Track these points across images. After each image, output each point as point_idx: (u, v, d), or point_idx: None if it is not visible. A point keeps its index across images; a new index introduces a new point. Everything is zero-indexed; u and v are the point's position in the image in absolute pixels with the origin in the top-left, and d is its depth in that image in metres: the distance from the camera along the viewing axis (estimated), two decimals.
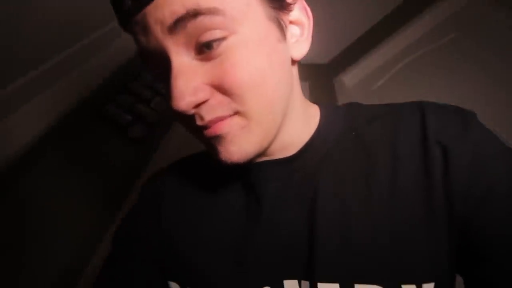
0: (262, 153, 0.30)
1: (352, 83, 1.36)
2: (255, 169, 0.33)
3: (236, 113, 0.26)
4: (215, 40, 0.23)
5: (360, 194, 0.28)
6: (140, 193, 0.40)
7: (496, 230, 0.25)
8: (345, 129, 0.32)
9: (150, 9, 0.23)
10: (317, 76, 1.39)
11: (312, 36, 0.30)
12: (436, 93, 1.00)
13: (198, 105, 0.25)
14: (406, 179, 0.27)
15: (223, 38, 0.23)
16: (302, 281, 0.28)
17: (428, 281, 0.25)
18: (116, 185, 1.13)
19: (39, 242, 0.77)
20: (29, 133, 0.80)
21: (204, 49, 0.23)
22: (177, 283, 0.33)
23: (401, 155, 0.28)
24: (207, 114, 0.25)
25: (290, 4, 0.27)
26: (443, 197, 0.26)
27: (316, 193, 0.29)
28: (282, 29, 0.27)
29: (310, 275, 0.27)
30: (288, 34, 0.28)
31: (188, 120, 0.26)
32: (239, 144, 0.26)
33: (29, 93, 0.79)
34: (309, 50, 0.30)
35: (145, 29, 0.24)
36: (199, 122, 0.26)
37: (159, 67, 0.26)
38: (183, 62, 0.24)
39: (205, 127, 0.26)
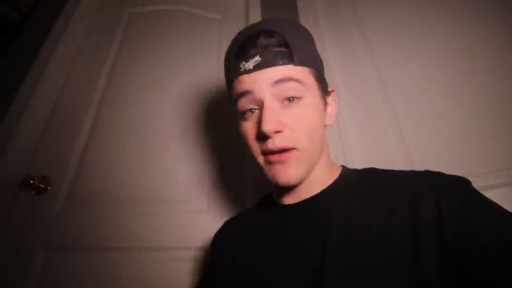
0: (296, 190, 0.49)
1: None
2: (287, 209, 0.51)
3: (294, 148, 0.44)
4: (295, 98, 0.45)
5: (363, 232, 0.40)
6: (212, 239, 0.63)
7: (483, 270, 0.31)
8: (357, 181, 0.48)
9: (263, 72, 0.45)
10: None
11: None
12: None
13: (275, 132, 0.43)
14: (401, 218, 0.38)
15: (299, 98, 0.45)
16: None
17: None
18: None
19: None
20: None
21: (287, 101, 0.45)
22: None
23: (399, 199, 0.40)
24: (278, 141, 0.43)
25: (330, 92, 0.53)
26: (434, 234, 0.35)
27: (329, 230, 0.42)
28: (325, 104, 0.50)
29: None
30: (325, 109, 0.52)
31: (262, 144, 0.45)
32: (296, 169, 0.44)
33: None
34: None
35: (256, 80, 0.45)
36: (271, 146, 0.44)
37: (249, 103, 0.46)
38: (272, 105, 0.44)
39: (273, 154, 0.44)
